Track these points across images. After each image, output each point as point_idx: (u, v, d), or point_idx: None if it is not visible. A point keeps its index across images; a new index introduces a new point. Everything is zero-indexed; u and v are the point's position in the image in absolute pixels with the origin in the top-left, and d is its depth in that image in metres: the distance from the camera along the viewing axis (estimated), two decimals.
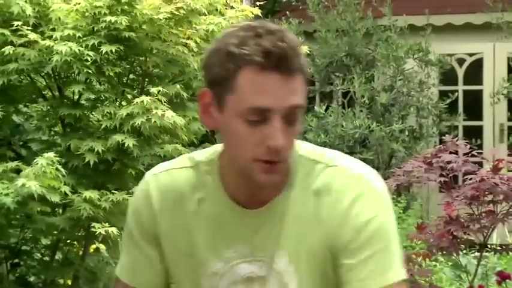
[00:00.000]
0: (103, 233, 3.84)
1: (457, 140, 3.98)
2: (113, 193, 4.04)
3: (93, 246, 4.41)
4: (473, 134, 9.44)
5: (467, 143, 3.94)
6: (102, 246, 4.44)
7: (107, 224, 3.90)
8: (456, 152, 3.88)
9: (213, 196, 1.74)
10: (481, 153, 4.09)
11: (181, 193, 1.75)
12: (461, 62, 10.12)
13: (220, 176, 1.74)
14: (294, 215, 1.71)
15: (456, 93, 9.66)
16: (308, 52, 4.82)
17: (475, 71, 10.06)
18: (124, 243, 1.84)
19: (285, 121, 1.61)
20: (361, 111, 9.34)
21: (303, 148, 1.75)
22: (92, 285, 4.35)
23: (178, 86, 4.30)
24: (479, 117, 9.99)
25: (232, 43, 1.61)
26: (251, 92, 1.59)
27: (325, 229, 1.69)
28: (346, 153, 1.78)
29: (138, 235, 1.78)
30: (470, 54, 10.10)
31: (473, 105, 10.00)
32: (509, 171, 6.24)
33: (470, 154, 3.96)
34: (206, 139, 8.36)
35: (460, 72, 10.07)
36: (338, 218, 1.68)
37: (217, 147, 1.77)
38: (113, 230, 3.87)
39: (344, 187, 1.70)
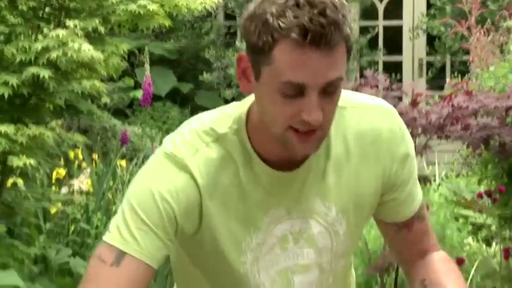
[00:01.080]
0: (20, 165, 3.78)
1: (378, 74, 4.01)
2: (30, 128, 3.97)
3: (10, 180, 4.34)
4: (393, 69, 9.54)
5: (387, 77, 3.98)
6: (20, 181, 4.38)
7: (24, 157, 3.84)
8: (376, 86, 3.91)
9: (246, 166, 1.68)
10: (401, 87, 4.14)
11: (217, 172, 1.67)
12: None
13: (251, 143, 1.68)
14: (335, 165, 1.71)
15: (376, 29, 9.73)
16: None
17: (395, 7, 10.13)
18: (130, 222, 1.63)
19: (323, 94, 1.55)
20: None
21: None
22: (9, 219, 4.31)
23: (96, 20, 4.20)
24: (399, 52, 10.09)
25: (270, 12, 1.52)
26: (287, 66, 1.52)
27: (374, 169, 1.73)
28: None
29: (159, 222, 1.63)
30: None
31: (393, 41, 10.09)
32: (427, 104, 6.33)
33: (390, 88, 4.00)
34: (126, 73, 8.26)
35: (381, 7, 10.12)
36: (384, 156, 1.73)
37: (230, 112, 1.70)
38: (31, 162, 3.81)
39: (378, 124, 1.73)
